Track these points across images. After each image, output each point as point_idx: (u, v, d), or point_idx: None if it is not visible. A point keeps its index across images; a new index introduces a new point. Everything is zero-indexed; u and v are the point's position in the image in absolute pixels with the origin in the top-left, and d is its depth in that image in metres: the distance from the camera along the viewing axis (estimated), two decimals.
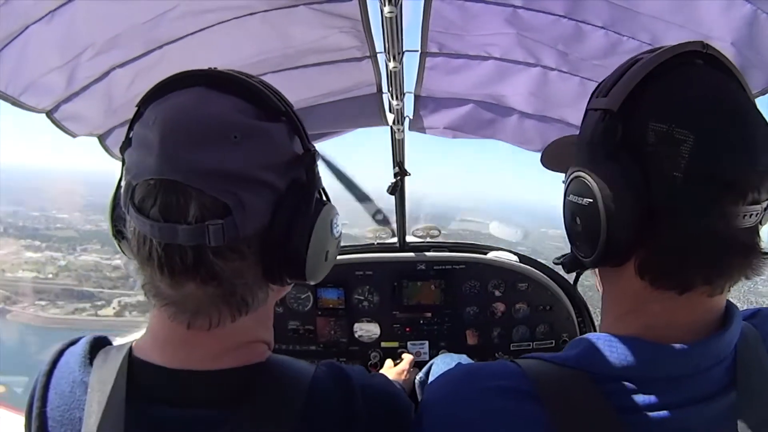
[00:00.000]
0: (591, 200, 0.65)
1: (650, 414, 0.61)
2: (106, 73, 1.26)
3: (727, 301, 0.68)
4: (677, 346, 0.62)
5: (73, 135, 1.40)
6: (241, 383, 0.68)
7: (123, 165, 0.65)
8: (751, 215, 0.60)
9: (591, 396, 0.62)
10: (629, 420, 0.60)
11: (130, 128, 0.66)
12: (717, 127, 0.60)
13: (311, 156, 0.71)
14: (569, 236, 0.74)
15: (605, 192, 0.63)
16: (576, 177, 0.69)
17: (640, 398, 0.62)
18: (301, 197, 0.68)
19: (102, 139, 1.49)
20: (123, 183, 0.65)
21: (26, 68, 1.10)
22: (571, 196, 0.70)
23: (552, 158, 0.91)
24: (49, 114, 1.28)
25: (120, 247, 0.72)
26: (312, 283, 0.74)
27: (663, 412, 0.61)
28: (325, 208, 0.72)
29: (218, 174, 0.59)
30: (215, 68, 0.68)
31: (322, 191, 0.76)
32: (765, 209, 0.62)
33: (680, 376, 0.63)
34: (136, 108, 0.66)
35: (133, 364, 0.69)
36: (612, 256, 0.66)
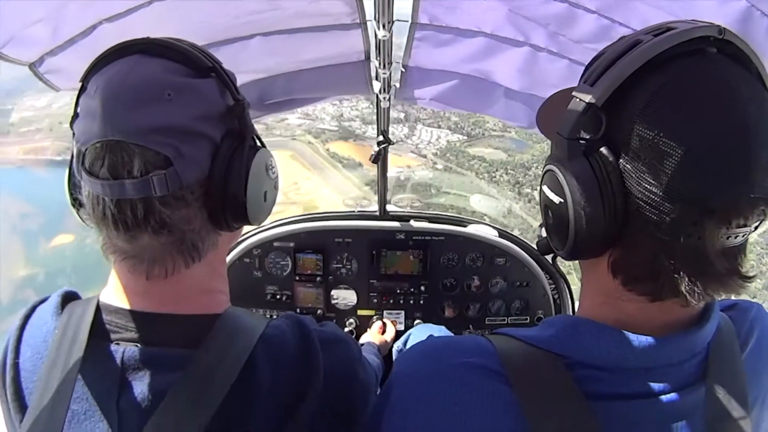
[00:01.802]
0: (561, 200, 0.63)
1: (619, 402, 0.61)
2: (93, 27, 1.22)
3: None
4: (651, 338, 0.61)
5: (57, 89, 1.36)
6: (200, 328, 0.72)
7: (74, 137, 0.70)
8: (736, 236, 0.56)
9: (560, 380, 0.62)
10: (597, 407, 0.60)
11: (77, 103, 0.70)
12: (712, 145, 0.54)
13: (241, 105, 0.77)
14: (544, 225, 0.73)
15: (576, 194, 0.61)
16: (549, 171, 0.66)
17: (611, 387, 0.62)
18: (236, 145, 0.75)
19: None
20: (74, 151, 0.69)
21: (9, 20, 1.06)
22: (544, 187, 0.68)
23: (548, 123, 0.81)
24: (33, 67, 1.24)
25: (78, 214, 0.76)
26: (255, 225, 0.81)
27: (632, 402, 0.61)
28: (260, 153, 0.80)
29: (157, 129, 0.65)
30: (148, 37, 0.72)
31: (256, 138, 0.81)
32: (754, 228, 0.58)
33: (652, 367, 0.62)
34: (80, 83, 0.71)
35: (98, 309, 0.74)
36: (582, 254, 0.66)
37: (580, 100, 0.62)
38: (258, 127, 0.86)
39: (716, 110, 0.55)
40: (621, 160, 0.59)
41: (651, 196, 0.56)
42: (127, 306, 0.75)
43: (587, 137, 0.62)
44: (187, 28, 1.35)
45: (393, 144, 2.00)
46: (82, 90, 0.70)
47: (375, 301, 2.35)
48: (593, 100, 0.60)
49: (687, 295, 0.58)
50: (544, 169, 0.69)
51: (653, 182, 0.56)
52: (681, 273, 0.58)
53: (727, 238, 0.56)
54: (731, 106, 0.55)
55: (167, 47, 0.71)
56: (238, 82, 0.80)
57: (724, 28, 0.58)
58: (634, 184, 0.58)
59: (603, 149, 0.60)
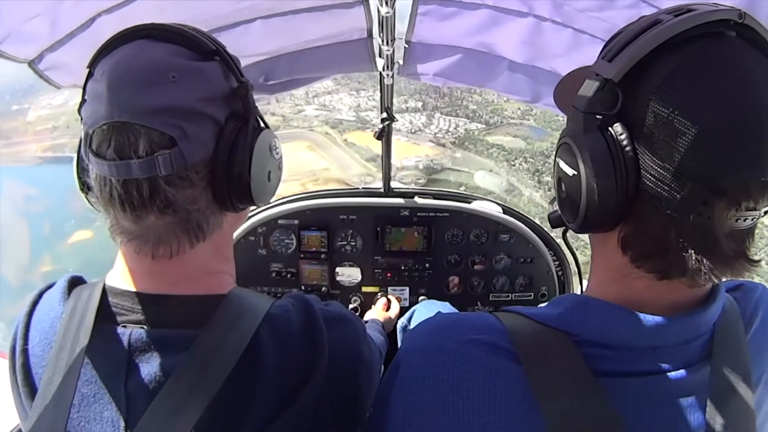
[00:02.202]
0: (575, 172, 0.64)
1: (627, 380, 0.62)
2: (92, 20, 1.22)
3: None
4: (658, 318, 0.62)
5: (57, 86, 1.36)
6: (205, 308, 0.73)
7: (81, 122, 0.71)
8: (745, 219, 0.57)
9: (569, 357, 0.62)
10: (605, 383, 0.60)
11: (84, 89, 0.72)
12: (726, 125, 0.55)
13: (245, 87, 0.78)
14: (556, 197, 0.74)
15: (589, 167, 0.62)
16: (565, 144, 0.67)
17: (619, 365, 0.62)
18: (240, 125, 0.76)
19: None
20: (82, 135, 0.71)
21: (6, 16, 1.07)
22: (558, 160, 0.69)
23: (566, 98, 0.79)
24: (32, 64, 1.24)
25: (87, 199, 0.78)
26: (260, 205, 0.82)
27: (639, 379, 0.62)
28: (263, 133, 0.81)
29: (161, 110, 0.67)
30: (153, 23, 0.74)
31: (259, 119, 0.82)
32: (764, 213, 0.58)
33: (659, 346, 0.63)
34: (87, 69, 0.73)
35: (104, 291, 0.76)
36: (592, 227, 0.67)
37: (598, 75, 0.63)
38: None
39: (731, 92, 0.55)
40: (635, 136, 0.60)
41: (663, 172, 0.57)
42: (133, 288, 0.76)
43: (603, 113, 0.62)
44: (187, 15, 1.33)
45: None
46: (89, 76, 0.72)
47: (380, 277, 2.36)
48: (610, 76, 0.61)
49: (694, 274, 0.59)
50: (559, 142, 0.70)
51: (666, 159, 0.57)
52: (689, 251, 0.58)
53: (736, 221, 0.56)
54: (746, 90, 0.55)
55: (172, 32, 0.73)
56: (242, 65, 0.82)
57: (745, 13, 0.58)
58: (647, 160, 0.59)
59: (618, 125, 0.61)
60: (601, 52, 0.68)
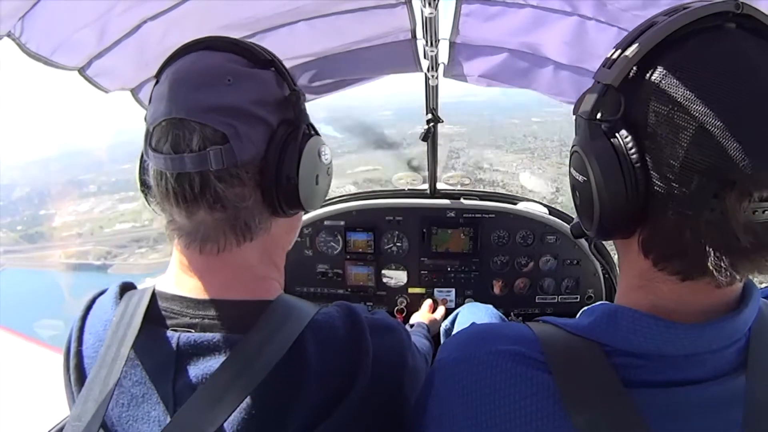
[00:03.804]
0: (585, 178, 0.65)
1: (657, 390, 0.60)
2: (138, 27, 1.27)
3: (746, 279, 0.64)
4: (689, 325, 0.61)
5: (106, 90, 1.43)
6: (252, 313, 0.76)
7: (146, 122, 0.77)
8: (764, 211, 0.54)
9: (600, 367, 0.62)
10: (636, 394, 0.59)
11: (151, 95, 0.77)
12: (726, 116, 0.54)
13: (296, 95, 0.82)
14: (574, 206, 0.74)
15: (598, 172, 0.62)
16: (575, 152, 0.68)
17: (649, 374, 0.61)
18: (291, 130, 0.80)
19: (135, 92, 1.52)
20: (144, 133, 0.76)
21: (57, 27, 1.13)
22: (571, 169, 0.70)
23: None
24: (82, 71, 1.30)
25: (147, 200, 0.83)
26: (309, 210, 0.85)
27: (671, 389, 0.60)
28: (313, 139, 0.84)
29: (216, 108, 0.71)
30: (215, 35, 0.80)
31: (310, 126, 0.85)
32: None
33: (690, 354, 0.61)
34: (155, 78, 0.79)
35: (153, 296, 0.79)
36: (609, 232, 0.67)
37: (598, 82, 0.64)
38: None
39: (730, 81, 0.54)
40: (640, 138, 0.60)
41: (670, 170, 0.57)
42: (182, 293, 0.78)
43: (608, 119, 0.63)
44: (230, 19, 1.39)
45: (442, 122, 2.01)
46: (156, 83, 0.77)
47: (426, 279, 2.36)
48: (610, 81, 0.62)
49: (714, 270, 0.57)
50: (570, 152, 0.71)
51: (671, 156, 0.56)
52: (707, 248, 0.57)
53: (753, 213, 0.54)
54: (747, 77, 0.54)
55: (231, 43, 0.79)
56: (287, 66, 0.85)
57: (743, 3, 0.56)
58: (654, 160, 0.59)
59: (622, 129, 0.61)
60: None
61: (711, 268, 0.57)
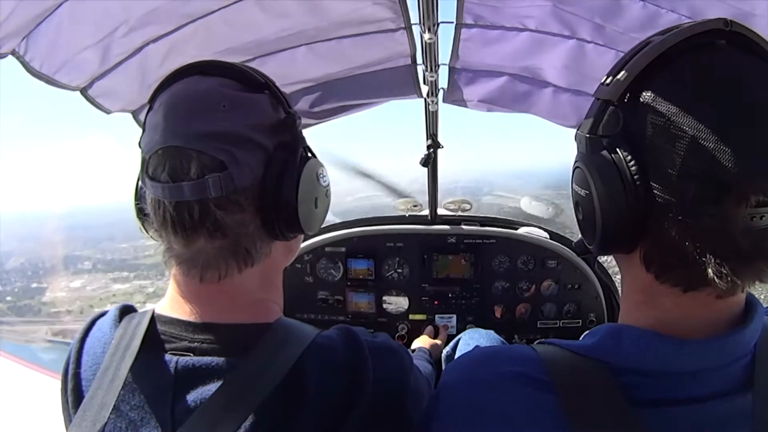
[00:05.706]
0: (587, 192, 0.66)
1: (663, 408, 0.60)
2: (140, 49, 1.28)
3: (749, 294, 0.65)
4: (693, 341, 0.61)
5: (107, 111, 1.44)
6: (251, 336, 0.74)
7: (141, 151, 0.76)
8: (762, 217, 0.55)
9: (605, 387, 0.62)
10: (641, 413, 0.59)
11: (144, 121, 0.77)
12: (718, 125, 0.55)
13: (292, 117, 0.81)
14: (577, 223, 0.75)
15: (599, 183, 0.64)
16: (577, 168, 0.70)
17: (654, 392, 0.61)
18: (288, 154, 0.79)
19: (135, 114, 1.53)
20: (140, 162, 0.75)
21: (61, 47, 1.14)
22: (573, 184, 0.72)
23: None
24: (84, 91, 1.32)
25: (144, 227, 0.81)
26: (309, 233, 0.83)
27: (677, 408, 0.60)
28: (310, 162, 0.83)
29: (212, 135, 0.70)
30: (207, 59, 0.79)
31: (306, 149, 0.85)
32: None
33: (695, 372, 0.61)
34: (148, 104, 0.78)
35: (152, 319, 0.78)
36: (612, 246, 0.68)
37: (597, 99, 0.67)
38: None
39: (721, 90, 0.57)
40: (638, 151, 0.61)
41: (668, 179, 0.58)
42: (181, 316, 0.77)
43: (608, 134, 0.65)
44: (231, 43, 1.41)
45: (442, 147, 2.01)
46: (149, 110, 0.77)
47: (427, 305, 2.34)
48: (608, 98, 0.65)
49: (715, 278, 0.57)
50: (573, 168, 0.72)
51: (669, 166, 0.58)
52: (707, 256, 0.57)
53: (751, 219, 0.55)
54: (737, 87, 0.57)
55: (224, 67, 0.78)
56: (286, 92, 0.85)
57: (731, 21, 0.59)
58: (653, 171, 0.60)
59: (622, 142, 0.63)
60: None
61: (712, 275, 0.57)
